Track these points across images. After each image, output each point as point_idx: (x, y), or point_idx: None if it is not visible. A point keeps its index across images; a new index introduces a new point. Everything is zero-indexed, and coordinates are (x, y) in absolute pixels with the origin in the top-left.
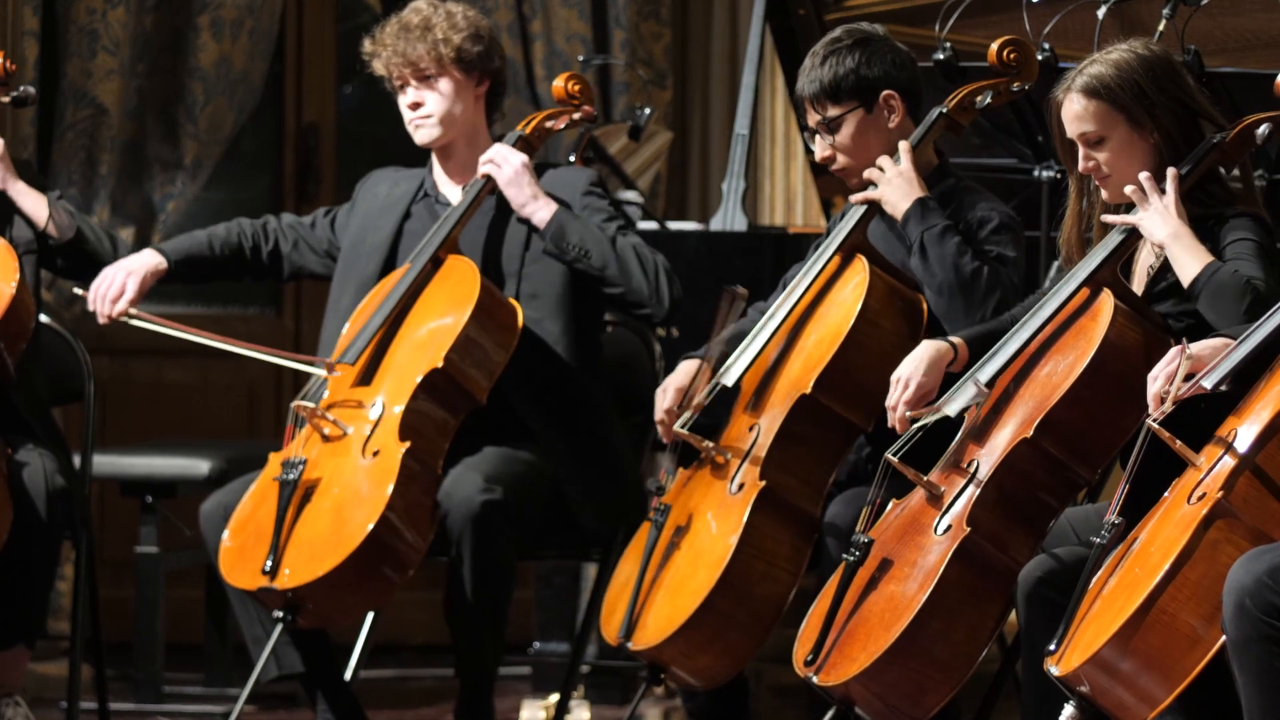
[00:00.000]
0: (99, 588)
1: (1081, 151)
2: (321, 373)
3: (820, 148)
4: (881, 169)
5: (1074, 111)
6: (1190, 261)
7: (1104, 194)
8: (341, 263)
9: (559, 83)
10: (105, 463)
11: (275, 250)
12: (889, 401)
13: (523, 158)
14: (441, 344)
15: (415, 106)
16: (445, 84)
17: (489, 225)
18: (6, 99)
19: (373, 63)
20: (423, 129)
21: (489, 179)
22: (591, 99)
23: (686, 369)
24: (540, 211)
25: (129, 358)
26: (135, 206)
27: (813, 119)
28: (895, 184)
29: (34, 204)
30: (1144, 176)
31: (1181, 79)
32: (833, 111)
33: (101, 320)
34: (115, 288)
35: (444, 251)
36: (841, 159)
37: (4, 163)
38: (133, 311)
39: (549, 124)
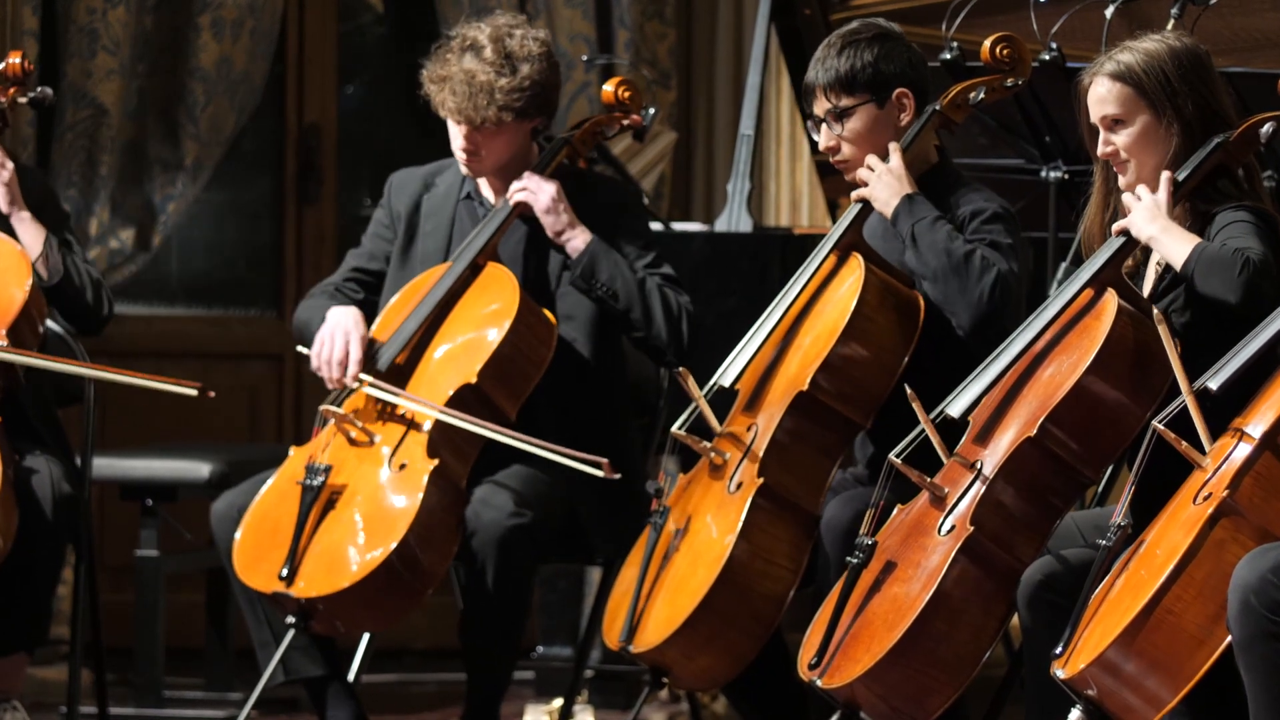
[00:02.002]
0: (99, 592)
1: (1101, 135)
2: (599, 473)
3: (825, 137)
4: (871, 168)
5: (1099, 94)
6: (1181, 247)
7: (1121, 180)
8: (394, 272)
9: (609, 88)
10: (105, 466)
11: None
12: None
13: (554, 186)
14: (476, 358)
15: (470, 151)
16: (503, 135)
17: (528, 242)
18: (24, 99)
19: (428, 88)
20: (474, 168)
21: (520, 204)
22: (640, 105)
23: None
24: (575, 240)
25: (129, 360)
26: (135, 207)
27: (820, 108)
28: (885, 181)
29: (32, 239)
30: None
31: (1209, 76)
32: (845, 102)
33: (330, 385)
34: (339, 352)
35: (483, 258)
36: (846, 149)
37: (11, 188)
38: (363, 377)
39: (600, 130)
